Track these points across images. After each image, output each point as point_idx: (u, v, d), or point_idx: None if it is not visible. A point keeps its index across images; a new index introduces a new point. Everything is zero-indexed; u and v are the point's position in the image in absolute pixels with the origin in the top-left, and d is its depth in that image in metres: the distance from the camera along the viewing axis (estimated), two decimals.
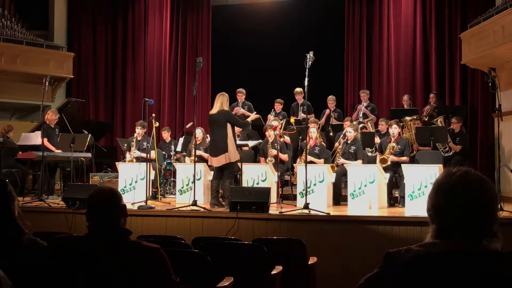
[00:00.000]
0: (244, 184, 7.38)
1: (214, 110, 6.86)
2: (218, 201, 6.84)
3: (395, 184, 7.82)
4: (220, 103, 6.85)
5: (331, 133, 9.08)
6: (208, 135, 8.70)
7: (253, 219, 6.01)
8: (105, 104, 11.96)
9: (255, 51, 11.36)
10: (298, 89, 9.41)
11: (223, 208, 6.60)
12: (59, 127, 8.69)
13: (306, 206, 6.09)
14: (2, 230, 2.41)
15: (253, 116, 7.51)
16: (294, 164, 8.18)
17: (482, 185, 1.59)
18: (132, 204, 6.77)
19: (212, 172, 7.76)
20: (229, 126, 6.78)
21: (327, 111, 9.62)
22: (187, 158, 8.49)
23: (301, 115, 9.21)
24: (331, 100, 9.66)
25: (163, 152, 9.13)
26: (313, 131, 7.98)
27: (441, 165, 6.80)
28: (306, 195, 6.38)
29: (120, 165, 8.10)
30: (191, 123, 8.88)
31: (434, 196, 1.63)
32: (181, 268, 2.52)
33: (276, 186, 7.33)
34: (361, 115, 9.35)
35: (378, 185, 6.87)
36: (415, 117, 8.58)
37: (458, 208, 1.56)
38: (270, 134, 7.98)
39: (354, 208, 6.78)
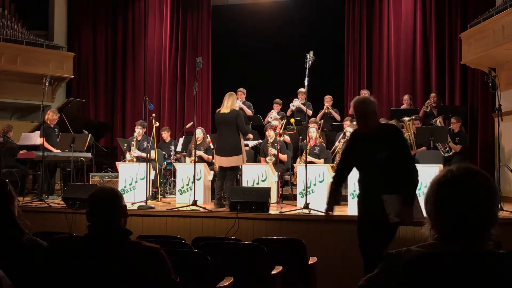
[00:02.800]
0: (244, 184, 7.38)
1: (225, 109, 6.77)
2: (221, 201, 6.81)
3: None
4: (231, 102, 6.82)
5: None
6: (208, 135, 8.73)
7: (253, 219, 6.01)
8: (105, 104, 11.96)
9: (255, 51, 11.36)
10: (302, 89, 9.40)
11: (224, 208, 6.59)
12: (59, 127, 8.70)
13: (306, 206, 6.09)
14: (2, 230, 2.42)
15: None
16: (294, 164, 8.19)
17: (483, 183, 1.57)
18: (132, 204, 6.77)
19: (212, 172, 7.77)
20: None
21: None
22: (187, 158, 8.50)
23: (309, 112, 9.08)
24: (328, 99, 9.66)
25: (163, 152, 9.13)
26: (313, 131, 7.98)
27: (441, 165, 6.80)
28: (306, 195, 6.38)
29: (120, 165, 8.10)
30: (191, 123, 8.88)
31: (433, 196, 1.62)
32: (181, 268, 2.52)
33: (276, 186, 7.33)
34: None
35: None
36: (413, 117, 8.59)
37: (457, 208, 1.55)
38: (270, 134, 7.98)
39: (354, 208, 6.74)
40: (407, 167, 3.94)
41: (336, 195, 4.21)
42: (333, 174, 4.23)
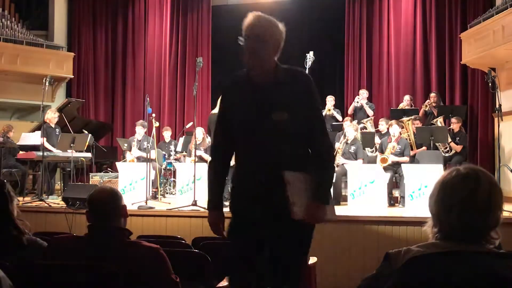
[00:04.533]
0: None
1: (215, 110, 6.82)
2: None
3: (395, 184, 7.82)
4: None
5: None
6: (208, 136, 8.73)
7: None
8: (105, 104, 11.96)
9: None
10: None
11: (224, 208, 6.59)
12: (59, 127, 8.70)
13: None
14: (2, 230, 2.42)
15: None
16: None
17: (489, 185, 1.56)
18: (132, 204, 6.77)
19: None
20: None
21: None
22: (187, 158, 8.50)
23: None
24: (330, 99, 9.67)
25: (163, 152, 9.13)
26: None
27: (441, 165, 6.81)
28: None
29: (120, 165, 8.10)
30: (191, 123, 8.88)
31: (438, 194, 1.61)
32: (181, 268, 2.52)
33: None
34: (358, 104, 9.39)
35: (378, 185, 6.86)
36: (413, 117, 8.60)
37: (462, 207, 1.55)
38: None
39: (354, 208, 6.77)
40: (318, 140, 2.43)
41: (221, 186, 2.67)
42: (210, 154, 2.70)
